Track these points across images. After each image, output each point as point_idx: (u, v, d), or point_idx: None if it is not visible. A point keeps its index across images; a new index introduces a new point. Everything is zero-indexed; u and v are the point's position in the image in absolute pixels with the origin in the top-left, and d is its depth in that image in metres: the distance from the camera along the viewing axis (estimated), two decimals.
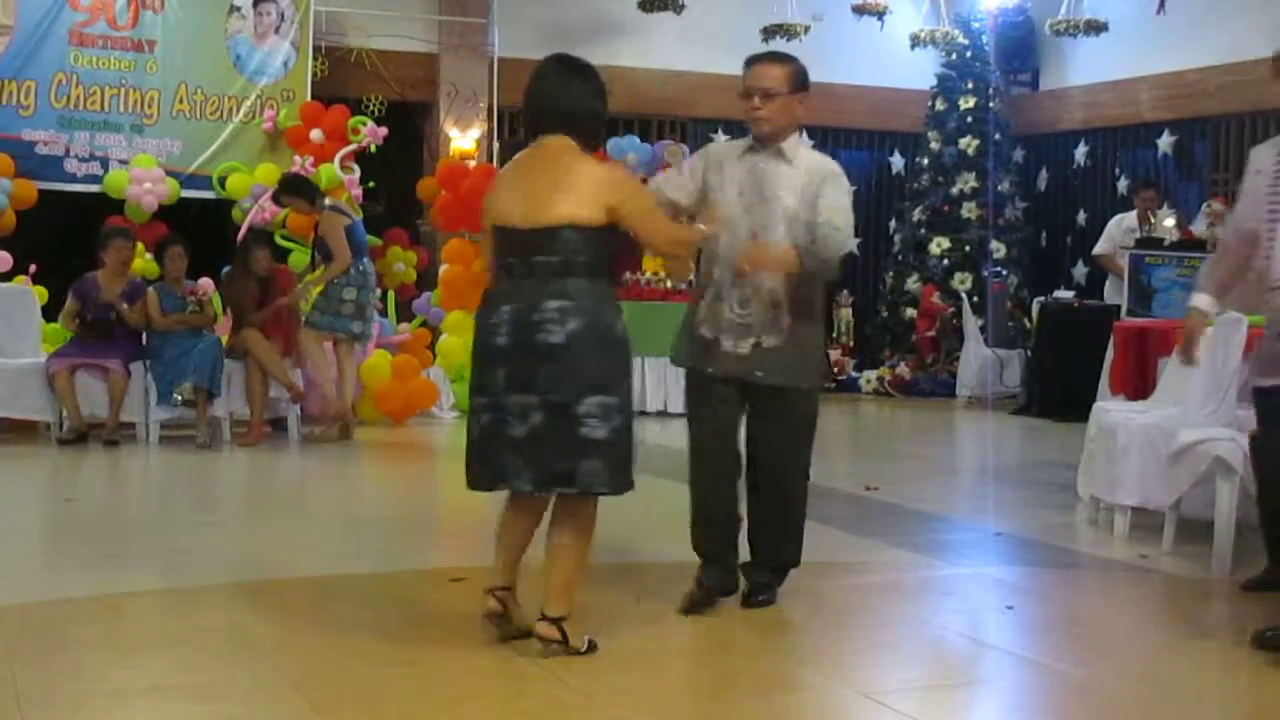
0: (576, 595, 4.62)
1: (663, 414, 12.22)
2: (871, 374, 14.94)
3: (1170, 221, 13.31)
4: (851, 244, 5.26)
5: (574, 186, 4.56)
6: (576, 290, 4.50)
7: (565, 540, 4.60)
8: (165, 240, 10.52)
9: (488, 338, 4.59)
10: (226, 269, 10.81)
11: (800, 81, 5.26)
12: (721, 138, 15.38)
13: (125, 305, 9.90)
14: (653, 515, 6.08)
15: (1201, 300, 4.95)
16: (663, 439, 10.71)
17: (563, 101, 4.70)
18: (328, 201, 10.37)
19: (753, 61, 5.33)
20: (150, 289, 10.09)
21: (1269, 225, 4.70)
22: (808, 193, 5.12)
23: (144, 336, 10.07)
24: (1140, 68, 13.95)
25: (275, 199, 11.16)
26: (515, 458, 4.52)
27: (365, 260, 10.29)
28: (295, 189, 10.56)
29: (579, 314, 4.48)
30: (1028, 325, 14.08)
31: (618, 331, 4.57)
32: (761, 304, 5.17)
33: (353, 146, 12.63)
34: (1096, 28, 13.17)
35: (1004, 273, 14.92)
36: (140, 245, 11.71)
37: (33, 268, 11.47)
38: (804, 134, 5.36)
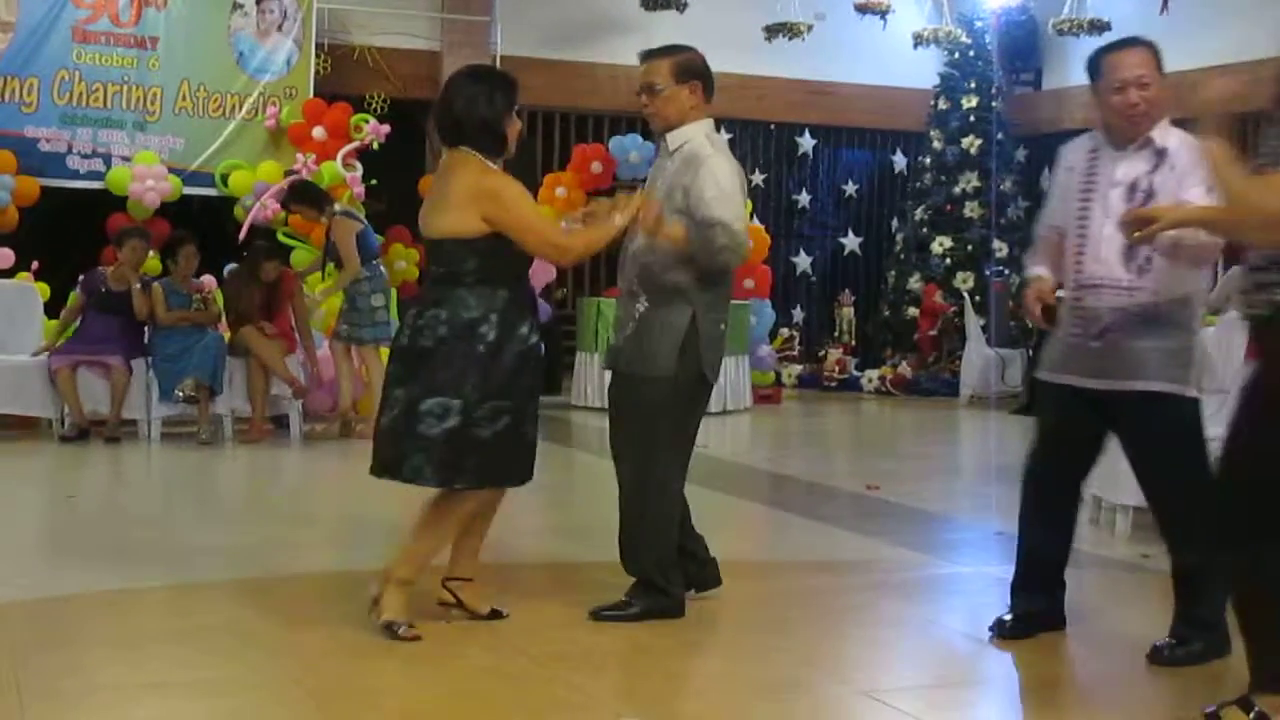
0: (418, 568, 4.89)
1: None
2: (873, 373, 14.94)
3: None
4: (737, 236, 4.91)
5: (451, 199, 4.81)
6: (455, 299, 4.76)
7: (424, 518, 4.96)
8: (178, 238, 10.51)
9: (395, 334, 5.06)
10: (231, 267, 10.78)
11: (686, 71, 5.12)
12: (723, 136, 15.38)
13: (138, 287, 9.91)
14: None
15: (1040, 269, 4.95)
16: None
17: (453, 113, 4.85)
18: (338, 207, 10.35)
19: (640, 59, 5.22)
20: (156, 285, 10.09)
21: (1079, 224, 4.70)
22: (676, 184, 5.03)
23: (146, 333, 10.07)
24: None
25: (284, 206, 11.16)
26: (379, 444, 4.90)
27: (379, 264, 10.33)
28: (304, 197, 10.54)
29: (449, 322, 4.74)
30: (1029, 325, 14.08)
31: (493, 338, 4.72)
32: (626, 293, 5.17)
33: (355, 144, 12.63)
34: (1099, 27, 13.20)
35: (1006, 272, 14.92)
36: None
37: (35, 264, 11.48)
38: (710, 124, 5.18)
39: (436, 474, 4.79)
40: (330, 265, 10.52)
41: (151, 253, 11.11)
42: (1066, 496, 4.86)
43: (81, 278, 10.15)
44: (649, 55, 5.21)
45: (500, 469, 4.85)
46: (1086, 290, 4.69)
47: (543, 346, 4.98)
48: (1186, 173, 4.56)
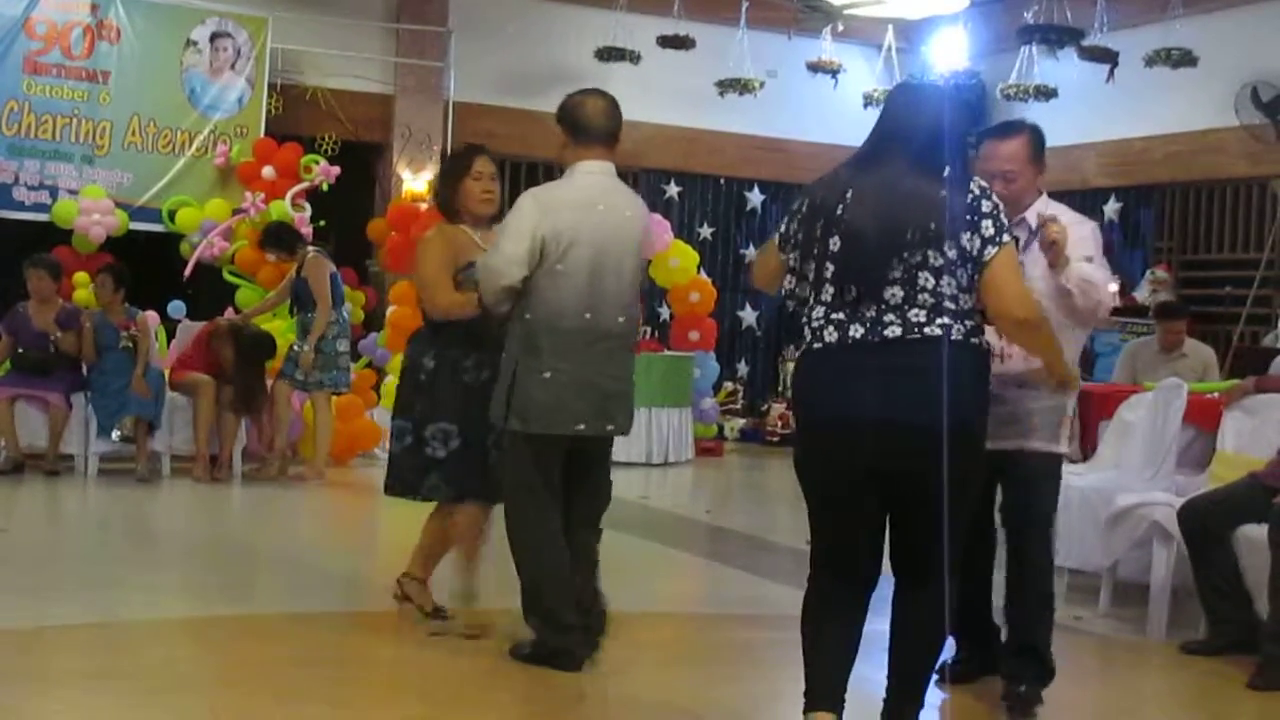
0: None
1: None
2: None
3: (1113, 287, 13.48)
4: (494, 277, 4.95)
5: None
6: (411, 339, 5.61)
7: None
8: (98, 269, 10.45)
9: None
10: (224, 327, 10.44)
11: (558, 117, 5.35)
12: (673, 189, 15.47)
13: (59, 333, 9.81)
14: None
15: None
16: None
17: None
18: (311, 248, 10.29)
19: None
20: (87, 319, 9.99)
21: None
22: None
23: (84, 368, 9.98)
24: (1088, 134, 14.12)
25: (260, 247, 11.11)
26: None
27: (345, 308, 10.29)
28: (278, 240, 10.47)
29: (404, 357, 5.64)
30: None
31: (413, 365, 5.46)
32: None
33: (304, 184, 12.61)
34: (1046, 94, 13.35)
35: None
36: (86, 276, 11.64)
37: None
38: (580, 165, 5.29)
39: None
40: (287, 306, 10.48)
41: (92, 286, 11.04)
42: (980, 547, 4.96)
43: (4, 318, 10.03)
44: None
45: (459, 485, 5.39)
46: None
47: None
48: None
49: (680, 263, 13.40)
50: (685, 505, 10.66)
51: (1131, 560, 6.37)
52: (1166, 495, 6.30)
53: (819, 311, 3.86)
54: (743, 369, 16.11)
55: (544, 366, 4.90)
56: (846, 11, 13.92)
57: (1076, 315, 4.80)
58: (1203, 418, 6.91)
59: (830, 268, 3.85)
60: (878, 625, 4.16)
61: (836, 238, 3.84)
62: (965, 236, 3.80)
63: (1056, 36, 12.95)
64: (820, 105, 15.21)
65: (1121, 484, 6.43)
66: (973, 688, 5.10)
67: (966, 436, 3.84)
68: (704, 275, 13.91)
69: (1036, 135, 4.93)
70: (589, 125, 5.17)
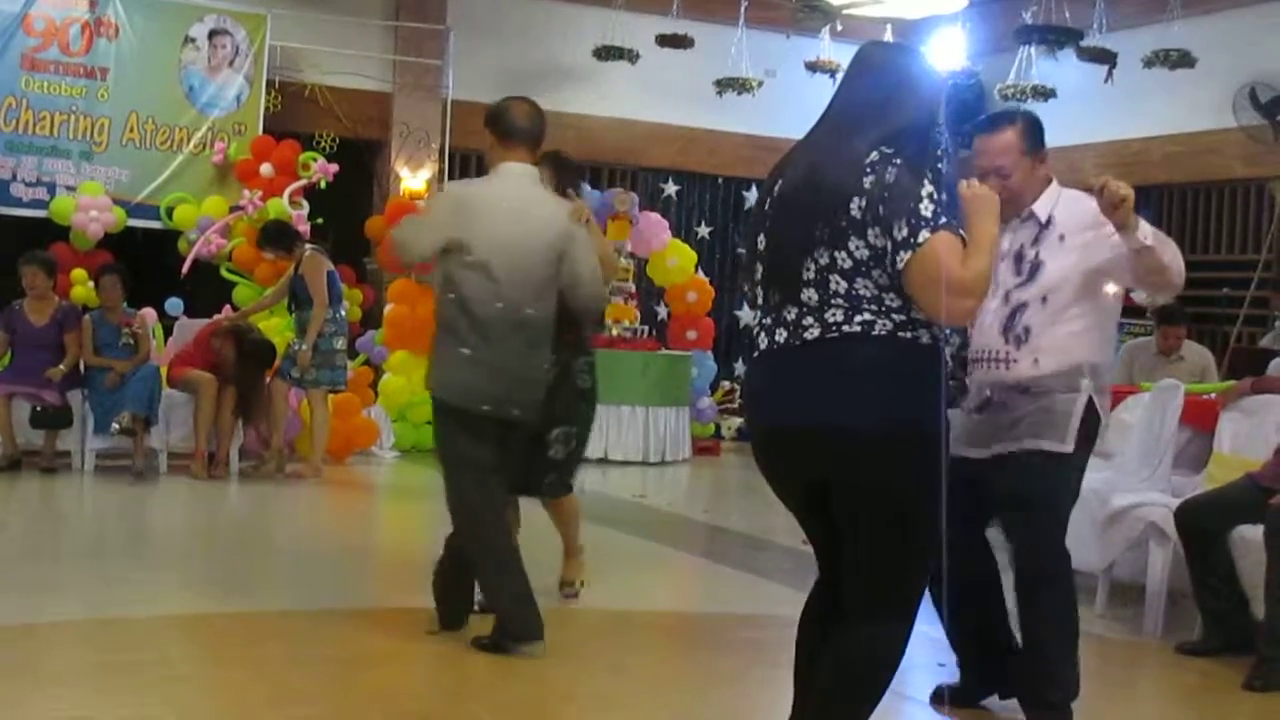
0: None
1: (603, 461, 12.15)
2: None
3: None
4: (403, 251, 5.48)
5: None
6: None
7: None
8: (101, 268, 10.45)
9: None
10: (225, 331, 10.43)
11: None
12: (671, 188, 15.46)
13: (62, 369, 9.80)
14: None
15: None
16: (603, 486, 10.69)
17: None
18: (309, 246, 10.28)
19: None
20: (86, 318, 9.99)
21: None
22: None
23: (81, 365, 9.97)
24: (1087, 135, 14.11)
25: (258, 246, 11.11)
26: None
27: (343, 306, 10.29)
28: (276, 240, 10.47)
29: None
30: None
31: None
32: None
33: (302, 182, 12.60)
34: (1044, 94, 13.35)
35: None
36: (83, 273, 11.64)
37: None
38: (503, 166, 5.47)
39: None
40: (285, 304, 10.47)
41: (90, 284, 11.04)
42: (977, 563, 4.78)
43: (1, 315, 10.04)
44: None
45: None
46: (972, 363, 4.56)
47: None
48: (1086, 241, 4.47)
49: (678, 262, 13.39)
50: (682, 505, 10.66)
51: (1128, 561, 6.37)
52: (1163, 496, 6.30)
53: (755, 317, 3.61)
54: (740, 368, 16.10)
55: (463, 344, 5.24)
56: (845, 11, 13.92)
57: (1160, 276, 4.38)
58: (1200, 418, 6.91)
59: (760, 269, 3.56)
60: None
61: (763, 235, 3.56)
62: (874, 233, 3.36)
63: (1055, 37, 12.95)
64: (819, 105, 14.98)
65: (1118, 485, 6.42)
66: (975, 712, 4.92)
67: (903, 439, 3.37)
68: (701, 274, 13.91)
69: (1029, 124, 4.61)
70: (513, 128, 5.46)
